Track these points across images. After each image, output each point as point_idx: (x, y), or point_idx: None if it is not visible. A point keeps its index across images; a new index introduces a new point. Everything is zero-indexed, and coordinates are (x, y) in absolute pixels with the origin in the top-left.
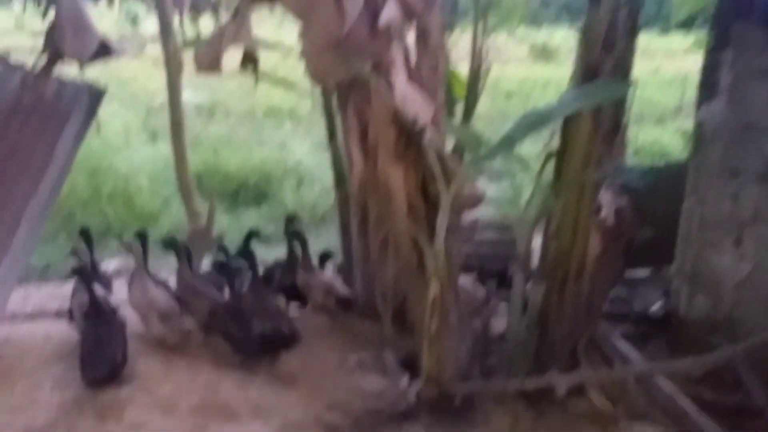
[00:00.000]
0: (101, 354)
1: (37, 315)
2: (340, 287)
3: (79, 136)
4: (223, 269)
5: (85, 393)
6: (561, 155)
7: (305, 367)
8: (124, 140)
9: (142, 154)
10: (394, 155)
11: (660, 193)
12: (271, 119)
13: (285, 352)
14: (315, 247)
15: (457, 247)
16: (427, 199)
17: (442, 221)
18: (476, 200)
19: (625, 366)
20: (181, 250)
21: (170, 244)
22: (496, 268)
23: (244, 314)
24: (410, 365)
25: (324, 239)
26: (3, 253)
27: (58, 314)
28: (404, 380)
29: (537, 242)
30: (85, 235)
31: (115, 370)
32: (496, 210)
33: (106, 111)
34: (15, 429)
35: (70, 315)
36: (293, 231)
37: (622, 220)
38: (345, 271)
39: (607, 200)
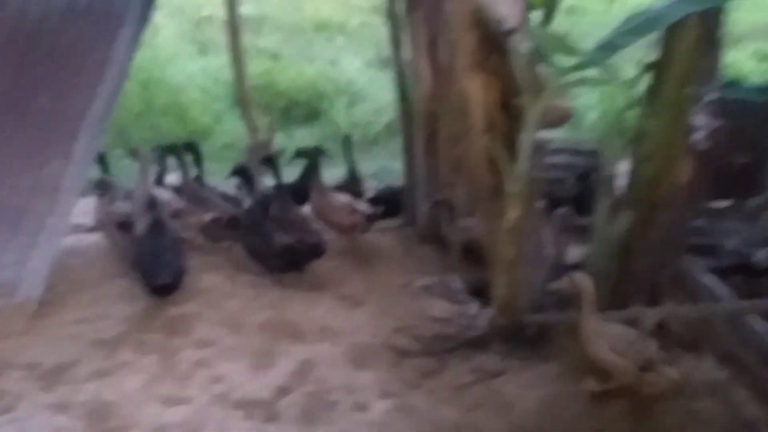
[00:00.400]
0: (163, 262)
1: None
2: (361, 205)
3: (135, 42)
4: (242, 173)
5: (152, 307)
6: (660, 68)
7: (370, 290)
8: (174, 53)
9: (193, 67)
10: (473, 64)
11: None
12: (321, 34)
13: (311, 263)
14: (368, 170)
15: (541, 168)
16: (508, 115)
17: (526, 139)
18: (566, 116)
19: (715, 303)
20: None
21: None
22: (570, 194)
23: (263, 225)
24: (478, 293)
25: (377, 161)
26: (65, 162)
27: (121, 226)
28: (474, 307)
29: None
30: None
31: (179, 277)
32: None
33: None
34: (85, 341)
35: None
36: (301, 150)
37: (717, 144)
38: (407, 193)
39: (702, 122)
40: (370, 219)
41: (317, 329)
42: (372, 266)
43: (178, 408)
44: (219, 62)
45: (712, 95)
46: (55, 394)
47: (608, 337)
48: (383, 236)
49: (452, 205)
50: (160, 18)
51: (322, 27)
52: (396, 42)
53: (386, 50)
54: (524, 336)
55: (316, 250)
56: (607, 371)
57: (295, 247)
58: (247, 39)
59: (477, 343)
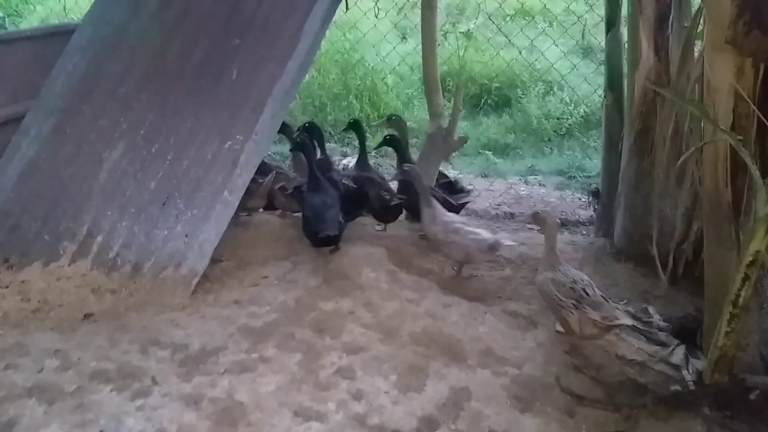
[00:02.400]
0: (325, 216)
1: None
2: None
3: (328, 16)
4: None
5: (307, 296)
6: None
7: (547, 310)
8: (377, 37)
9: (392, 51)
10: (727, 41)
11: None
12: (522, 20)
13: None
14: (555, 166)
15: None
16: (765, 109)
17: None
18: None
19: None
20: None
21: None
22: None
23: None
24: (686, 334)
25: (567, 157)
26: (246, 137)
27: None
28: (678, 353)
29: None
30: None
31: (340, 230)
32: None
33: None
34: (234, 327)
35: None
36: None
37: None
38: (604, 196)
39: None
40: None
41: (478, 351)
42: None
43: (309, 424)
44: (418, 48)
45: None
46: (191, 384)
47: (554, 273)
48: (571, 247)
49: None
50: (367, 2)
51: (523, 12)
52: (611, 18)
53: (589, 38)
54: (746, 402)
55: None
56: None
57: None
58: (445, 23)
59: (680, 402)
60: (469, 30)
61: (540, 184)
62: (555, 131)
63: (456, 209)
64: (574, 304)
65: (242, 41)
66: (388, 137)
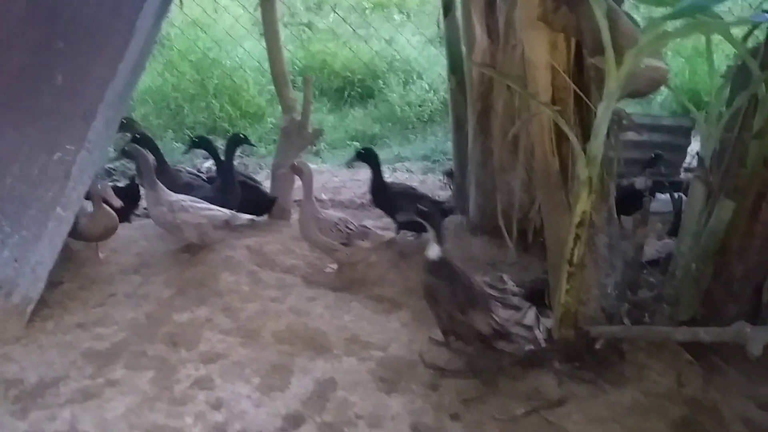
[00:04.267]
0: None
1: None
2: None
3: (161, 13)
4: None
5: (160, 310)
6: None
7: (408, 290)
8: (234, 34)
9: (251, 48)
10: (538, 18)
11: None
12: (379, 12)
13: None
14: (420, 151)
15: (619, 148)
16: (580, 81)
17: (605, 110)
18: (660, 79)
19: None
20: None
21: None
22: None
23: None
24: (536, 297)
25: (430, 142)
26: (78, 147)
27: None
28: (530, 314)
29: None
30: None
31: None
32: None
33: (215, 5)
34: (76, 353)
35: None
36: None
37: None
38: (456, 176)
39: None
40: None
41: (344, 340)
42: (412, 262)
43: None
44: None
45: None
46: (27, 421)
47: (318, 221)
48: None
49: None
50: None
51: (380, 5)
52: (447, 4)
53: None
54: (592, 353)
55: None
56: (322, 249)
57: None
58: (305, 18)
59: (533, 361)
60: (310, 21)
61: (408, 171)
62: (418, 118)
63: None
64: (344, 243)
65: (66, 44)
66: (362, 151)
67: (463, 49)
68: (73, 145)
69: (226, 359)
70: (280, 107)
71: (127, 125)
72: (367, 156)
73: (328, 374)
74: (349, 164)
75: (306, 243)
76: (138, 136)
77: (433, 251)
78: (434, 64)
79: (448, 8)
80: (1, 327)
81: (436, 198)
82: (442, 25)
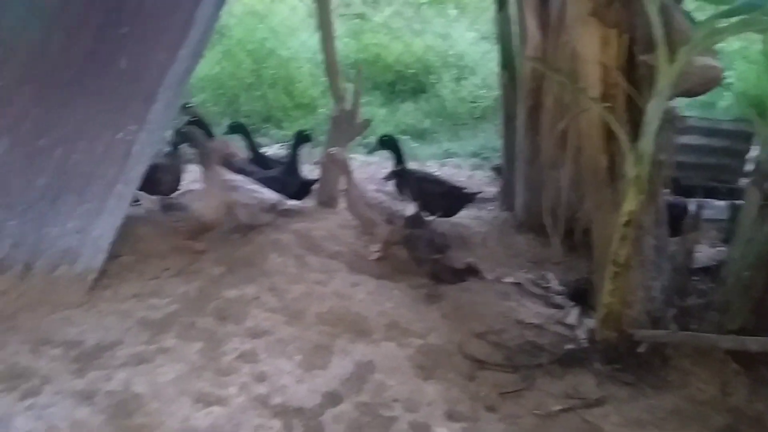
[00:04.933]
0: None
1: None
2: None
3: (219, 3)
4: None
5: (209, 286)
6: None
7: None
8: (292, 26)
9: (307, 40)
10: (590, 14)
11: None
12: (433, 7)
13: None
14: (470, 147)
15: (670, 148)
16: (632, 78)
17: (655, 109)
18: (714, 78)
19: None
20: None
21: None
22: (700, 182)
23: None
24: (580, 296)
25: (480, 139)
26: (139, 128)
27: None
28: (573, 314)
29: None
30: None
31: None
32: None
33: None
34: (132, 320)
35: None
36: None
37: None
38: (505, 172)
39: None
40: None
41: (384, 325)
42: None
43: (210, 409)
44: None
45: None
46: (84, 380)
47: (365, 198)
48: (476, 222)
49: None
50: None
51: (436, 0)
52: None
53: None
54: (634, 356)
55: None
56: (366, 224)
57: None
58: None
59: (573, 359)
60: (364, 13)
61: (456, 166)
62: (469, 115)
63: None
64: (388, 221)
65: (131, 29)
66: (385, 138)
67: (516, 44)
68: (135, 126)
69: (271, 336)
70: (331, 97)
71: (187, 109)
72: (389, 144)
73: (367, 357)
74: (372, 152)
75: (351, 230)
76: (194, 119)
77: (410, 208)
78: (488, 61)
79: (501, 3)
80: (64, 293)
81: (465, 186)
82: (496, 16)
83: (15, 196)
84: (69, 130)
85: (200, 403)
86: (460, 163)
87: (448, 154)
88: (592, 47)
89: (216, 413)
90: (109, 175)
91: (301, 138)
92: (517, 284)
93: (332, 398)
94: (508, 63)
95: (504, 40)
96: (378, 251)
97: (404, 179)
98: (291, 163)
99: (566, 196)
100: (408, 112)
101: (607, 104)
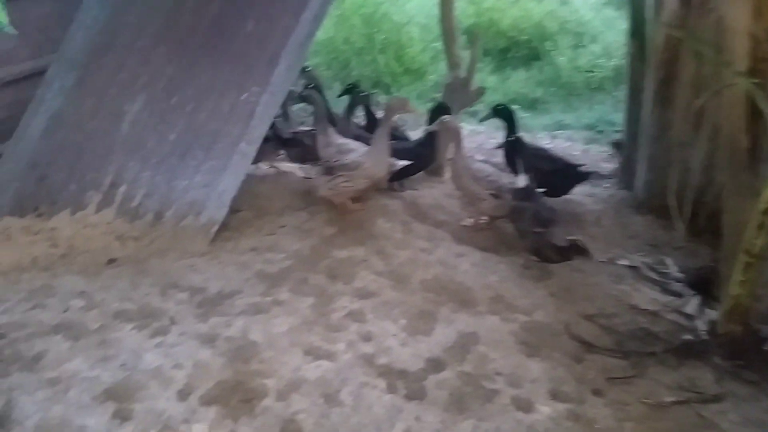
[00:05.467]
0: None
1: None
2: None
3: None
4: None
5: (321, 245)
6: None
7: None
8: None
9: (419, 4)
10: None
11: None
12: None
13: None
14: (584, 120)
15: None
16: None
17: None
18: None
19: None
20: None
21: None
22: None
23: None
24: (701, 285)
25: (596, 111)
26: (262, 89)
27: None
28: (693, 303)
29: None
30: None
31: None
32: None
33: None
34: (250, 272)
35: None
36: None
37: None
38: (626, 148)
39: None
40: None
41: (489, 298)
42: (570, 233)
43: (319, 362)
44: None
45: None
46: (207, 324)
47: (471, 171)
48: (591, 199)
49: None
50: None
51: None
52: None
53: None
54: (759, 353)
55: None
56: (470, 197)
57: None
58: None
59: (690, 351)
60: None
61: (569, 139)
62: (586, 85)
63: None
64: (493, 194)
65: None
66: (500, 107)
67: (649, 11)
68: (259, 87)
69: (378, 298)
70: (445, 64)
71: (306, 72)
72: (503, 113)
73: (471, 328)
74: (484, 120)
75: (456, 200)
76: (312, 84)
77: (521, 180)
78: (610, 28)
79: None
80: (190, 242)
81: (578, 162)
82: None
83: (149, 149)
84: (198, 89)
85: (310, 355)
86: (572, 135)
87: (560, 126)
88: (742, 17)
89: (324, 367)
90: (233, 134)
91: (440, 110)
92: (633, 267)
93: (435, 364)
94: (637, 30)
95: (635, 5)
96: (476, 222)
97: (516, 151)
98: (429, 136)
99: (696, 177)
100: (519, 80)
101: (755, 80)
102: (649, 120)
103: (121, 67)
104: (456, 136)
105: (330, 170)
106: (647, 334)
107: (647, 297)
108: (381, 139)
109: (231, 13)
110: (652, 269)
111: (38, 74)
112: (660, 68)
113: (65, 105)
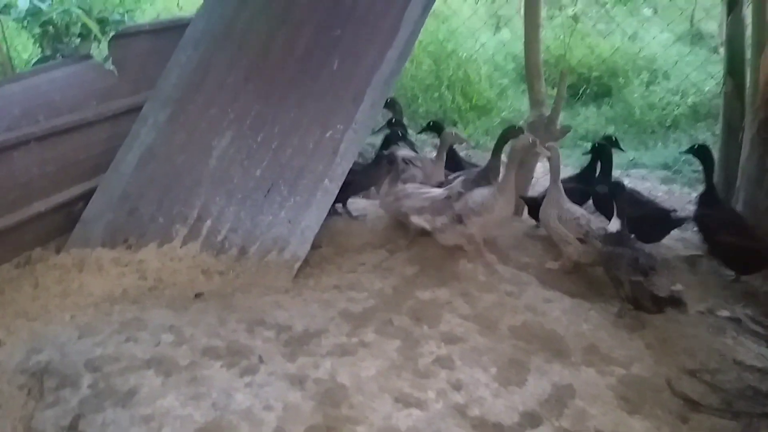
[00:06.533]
0: None
1: None
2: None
3: (428, 4)
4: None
5: (403, 285)
6: None
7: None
8: (471, 27)
9: (486, 41)
10: None
11: None
12: (622, 6)
13: None
14: (659, 159)
15: None
16: None
17: None
18: None
19: None
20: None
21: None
22: None
23: None
24: None
25: (671, 150)
26: (347, 126)
27: None
28: None
29: None
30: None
31: None
32: None
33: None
34: (334, 311)
35: None
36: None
37: None
38: (719, 192)
39: None
40: None
41: (582, 348)
42: (674, 282)
43: (410, 411)
44: (511, 37)
45: None
46: (296, 364)
47: (561, 209)
48: (681, 244)
49: None
50: None
51: None
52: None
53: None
54: None
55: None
56: (557, 239)
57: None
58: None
59: None
60: (576, 14)
61: (643, 178)
62: (659, 123)
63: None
64: (580, 239)
65: (343, 31)
66: (597, 144)
67: (748, 49)
68: (343, 125)
69: (465, 343)
70: (511, 100)
71: (390, 104)
72: (602, 151)
73: (566, 380)
74: (585, 153)
75: (539, 242)
76: (394, 120)
77: (614, 224)
78: (683, 65)
79: (732, 4)
80: (273, 278)
81: (669, 207)
82: (723, 24)
83: (235, 184)
84: (284, 126)
85: (400, 403)
86: (647, 174)
87: (633, 164)
88: None
89: (415, 416)
90: (318, 171)
91: (603, 149)
92: (734, 319)
93: (531, 418)
94: (735, 70)
95: (733, 43)
96: (563, 265)
97: (614, 194)
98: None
99: None
100: (590, 117)
101: None
102: (747, 162)
103: (212, 104)
104: (555, 171)
105: (459, 218)
106: (756, 392)
107: (753, 352)
108: (508, 179)
109: (317, 51)
110: (757, 322)
111: (135, 110)
112: (761, 108)
113: (157, 140)
